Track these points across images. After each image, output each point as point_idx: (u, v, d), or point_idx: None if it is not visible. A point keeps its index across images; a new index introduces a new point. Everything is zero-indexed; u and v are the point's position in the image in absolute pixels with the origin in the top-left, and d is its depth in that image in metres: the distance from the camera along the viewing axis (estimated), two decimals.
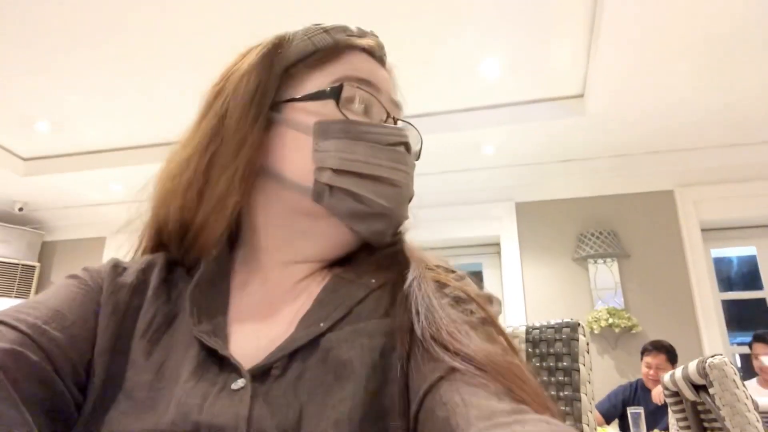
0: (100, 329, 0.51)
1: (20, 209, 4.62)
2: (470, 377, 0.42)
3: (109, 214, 4.67)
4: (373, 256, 0.58)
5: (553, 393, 0.73)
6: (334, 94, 0.56)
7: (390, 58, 0.65)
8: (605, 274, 3.87)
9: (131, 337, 0.52)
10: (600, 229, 3.89)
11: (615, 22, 2.45)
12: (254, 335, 0.52)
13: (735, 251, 4.22)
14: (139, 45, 2.73)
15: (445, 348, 0.45)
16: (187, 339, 0.51)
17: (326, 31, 0.60)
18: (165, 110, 3.28)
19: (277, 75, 0.57)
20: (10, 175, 3.98)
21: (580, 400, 0.72)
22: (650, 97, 3.11)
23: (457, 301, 0.52)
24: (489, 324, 0.50)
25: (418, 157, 0.62)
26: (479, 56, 2.90)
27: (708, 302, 3.67)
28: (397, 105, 0.62)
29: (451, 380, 0.42)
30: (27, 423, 0.41)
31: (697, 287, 3.70)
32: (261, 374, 0.47)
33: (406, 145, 0.58)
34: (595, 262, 3.90)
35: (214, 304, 0.54)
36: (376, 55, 0.62)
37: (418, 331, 0.47)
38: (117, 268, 0.58)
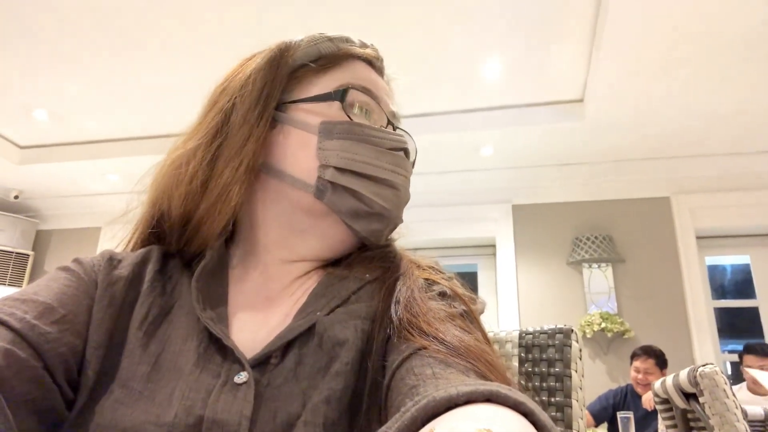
0: (95, 323, 0.51)
1: (15, 197, 4.60)
2: (443, 356, 0.44)
3: (105, 205, 4.65)
4: (366, 254, 0.60)
5: (544, 399, 0.73)
6: (340, 96, 0.58)
7: (389, 70, 0.68)
8: (599, 278, 3.88)
9: (127, 330, 0.52)
10: (595, 233, 3.90)
11: (616, 29, 2.45)
12: (252, 327, 0.53)
13: (729, 259, 4.24)
14: (139, 36, 2.72)
15: (421, 331, 0.47)
16: (185, 329, 0.52)
17: (330, 39, 0.62)
18: (163, 102, 3.27)
19: (283, 77, 0.59)
20: (6, 163, 3.96)
21: (571, 407, 0.72)
22: (649, 104, 3.11)
23: (443, 296, 0.55)
24: (469, 318, 0.53)
25: (412, 166, 0.65)
26: (480, 58, 2.90)
27: (701, 309, 3.69)
28: (395, 114, 0.64)
29: (424, 355, 0.44)
30: (8, 422, 0.41)
31: (691, 294, 3.72)
32: (260, 364, 0.48)
33: (406, 151, 0.61)
34: (590, 266, 3.91)
35: (215, 294, 0.56)
36: (376, 65, 0.65)
37: (395, 316, 0.49)
38: (112, 260, 0.58)
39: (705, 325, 3.65)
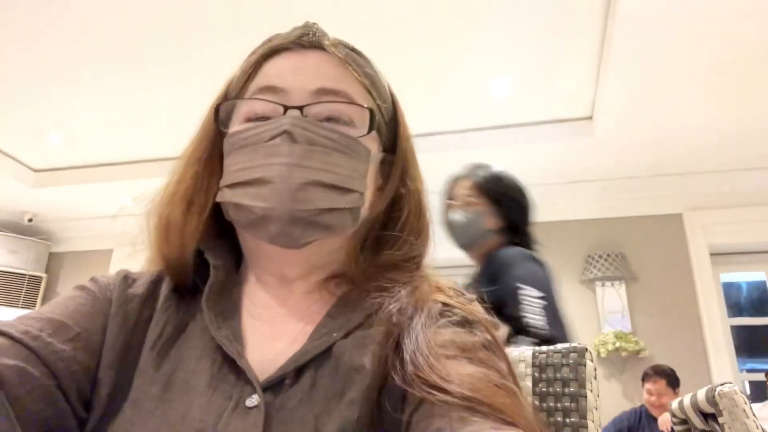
0: (109, 341, 0.51)
1: (29, 220, 4.65)
2: (447, 407, 0.41)
3: (117, 227, 4.69)
4: (378, 271, 0.57)
5: (559, 419, 0.72)
6: (215, 118, 0.58)
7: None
8: (613, 296, 3.84)
9: (141, 349, 0.52)
10: (608, 251, 3.87)
11: (624, 46, 2.46)
12: (266, 346, 0.52)
13: (744, 276, 4.18)
14: (153, 59, 2.76)
15: (427, 383, 0.44)
16: (200, 348, 0.51)
17: (254, 51, 0.61)
18: (176, 124, 3.30)
19: (222, 122, 0.59)
20: (20, 186, 4.01)
21: (586, 427, 0.71)
22: (659, 120, 3.10)
23: (462, 323, 0.51)
24: (492, 347, 0.50)
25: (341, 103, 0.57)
26: (489, 76, 2.91)
27: (717, 327, 3.62)
28: (320, 90, 0.56)
29: (431, 410, 0.42)
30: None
31: (706, 312, 3.66)
32: (274, 386, 0.47)
33: (289, 134, 0.53)
34: (603, 284, 3.87)
35: (228, 312, 0.55)
36: (298, 46, 0.59)
37: (398, 375, 0.46)
38: (127, 279, 0.58)
39: (722, 344, 3.59)
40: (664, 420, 3.00)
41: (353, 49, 0.60)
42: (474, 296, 0.58)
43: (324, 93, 0.56)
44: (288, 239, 0.52)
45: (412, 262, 0.60)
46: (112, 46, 2.66)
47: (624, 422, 3.25)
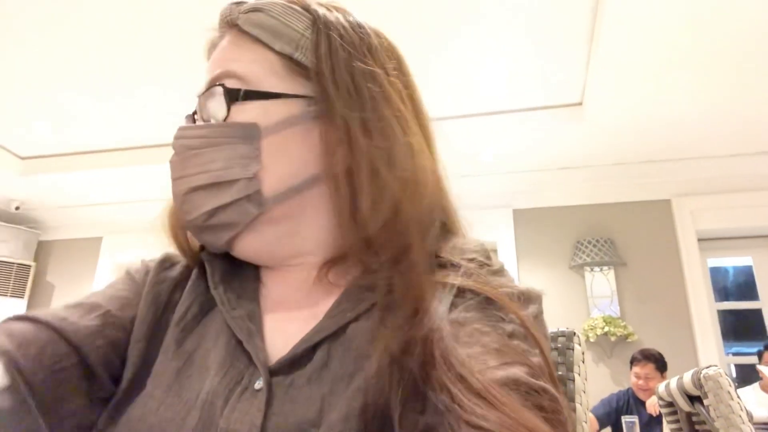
0: (139, 318, 0.52)
1: (17, 208, 4.61)
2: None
3: (107, 215, 4.66)
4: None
5: None
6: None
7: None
8: (601, 282, 3.87)
9: (168, 328, 0.53)
10: (597, 237, 3.89)
11: (614, 32, 2.46)
12: (281, 326, 0.52)
13: (731, 261, 4.23)
14: (141, 46, 2.73)
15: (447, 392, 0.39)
16: (219, 327, 0.51)
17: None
18: (164, 112, 3.27)
19: None
20: (7, 173, 3.97)
21: (574, 410, 0.72)
22: (649, 106, 3.11)
23: (484, 306, 0.46)
24: (520, 336, 0.44)
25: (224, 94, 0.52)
26: (479, 63, 2.90)
27: (704, 312, 3.67)
28: (208, 84, 0.54)
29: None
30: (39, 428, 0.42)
31: (693, 297, 3.70)
32: (288, 366, 0.46)
33: (173, 148, 0.53)
34: (592, 270, 3.90)
35: (246, 293, 0.54)
36: (220, 35, 0.58)
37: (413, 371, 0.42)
38: (164, 262, 0.59)
39: (708, 328, 3.64)
40: (652, 404, 3.04)
41: (254, 8, 0.54)
42: (499, 264, 0.53)
43: (209, 86, 0.53)
44: (210, 245, 0.54)
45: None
46: (99, 33, 2.62)
47: (613, 404, 3.30)
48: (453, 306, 0.46)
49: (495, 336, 0.43)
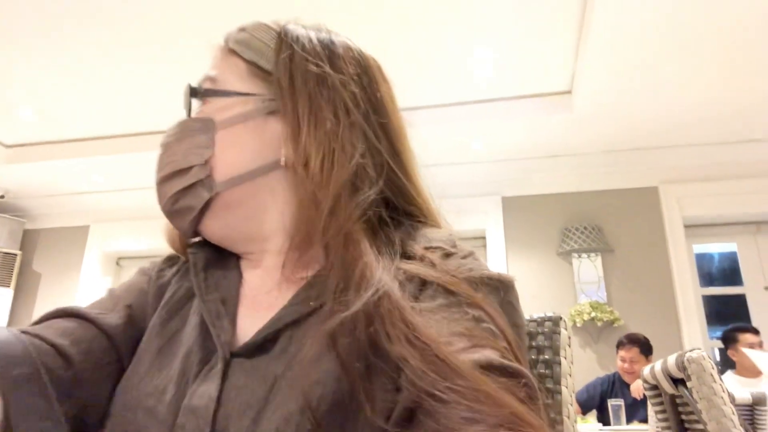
0: (148, 312, 0.58)
1: (2, 197, 4.56)
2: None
3: (93, 203, 4.62)
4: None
5: None
6: None
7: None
8: (589, 268, 3.91)
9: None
10: (584, 224, 3.93)
11: (603, 20, 2.47)
12: (254, 312, 0.54)
13: (716, 247, 4.29)
14: (125, 34, 2.69)
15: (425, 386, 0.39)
16: (197, 313, 0.55)
17: None
18: (149, 101, 3.24)
19: None
20: None
21: (560, 393, 0.73)
22: (636, 94, 3.13)
23: (448, 295, 0.47)
24: (487, 321, 0.44)
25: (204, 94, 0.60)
26: (468, 51, 2.90)
27: (689, 297, 3.73)
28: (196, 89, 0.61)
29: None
30: (56, 416, 0.44)
31: (679, 282, 3.76)
32: (252, 349, 0.49)
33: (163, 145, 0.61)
34: (579, 256, 3.94)
35: (226, 281, 0.57)
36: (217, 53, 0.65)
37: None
38: (169, 260, 0.64)
39: (693, 313, 3.70)
40: (637, 387, 3.09)
41: (241, 29, 0.63)
42: (467, 250, 0.54)
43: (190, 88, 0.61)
44: (181, 230, 0.59)
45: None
46: (83, 20, 2.58)
47: (597, 388, 3.35)
48: (416, 299, 0.48)
49: (463, 322, 0.44)
